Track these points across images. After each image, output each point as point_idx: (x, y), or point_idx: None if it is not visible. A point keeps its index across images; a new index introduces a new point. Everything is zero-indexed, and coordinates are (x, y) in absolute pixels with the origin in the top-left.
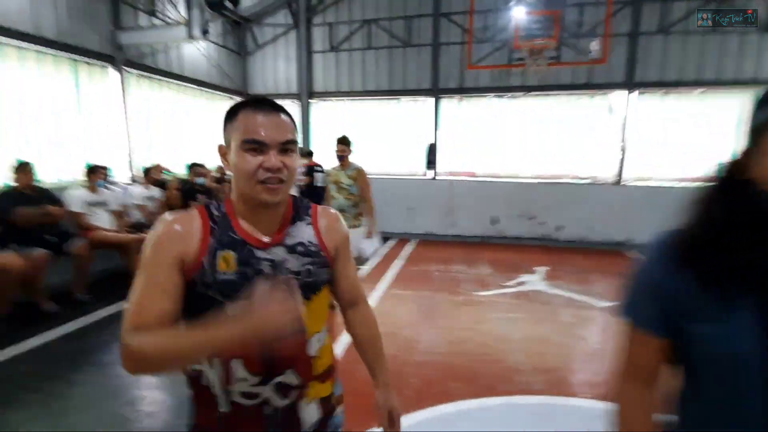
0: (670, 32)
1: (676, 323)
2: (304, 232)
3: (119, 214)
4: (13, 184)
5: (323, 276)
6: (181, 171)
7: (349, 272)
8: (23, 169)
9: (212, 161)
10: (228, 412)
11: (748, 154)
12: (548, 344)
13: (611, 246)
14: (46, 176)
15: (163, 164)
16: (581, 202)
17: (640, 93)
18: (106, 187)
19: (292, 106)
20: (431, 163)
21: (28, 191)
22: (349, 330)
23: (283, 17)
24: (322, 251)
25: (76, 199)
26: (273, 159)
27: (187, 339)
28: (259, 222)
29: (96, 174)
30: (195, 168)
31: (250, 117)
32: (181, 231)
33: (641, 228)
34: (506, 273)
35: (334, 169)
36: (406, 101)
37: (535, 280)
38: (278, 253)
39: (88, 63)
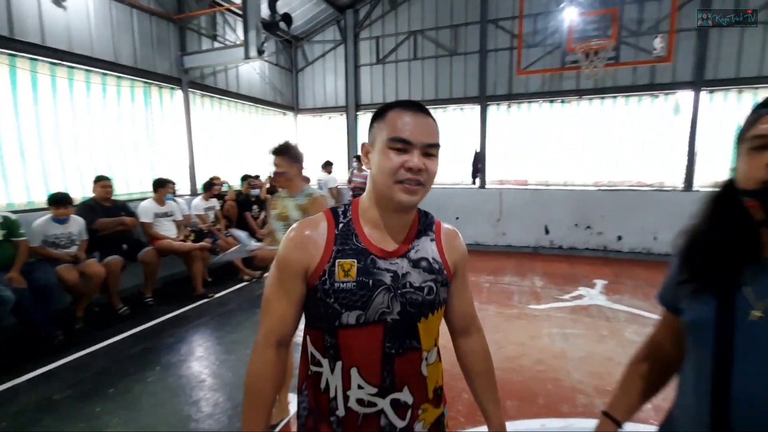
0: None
1: (679, 303)
2: (428, 248)
3: (183, 225)
4: (92, 196)
5: (443, 295)
6: (237, 183)
7: (465, 295)
8: (102, 182)
9: (265, 173)
10: (344, 416)
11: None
12: (611, 364)
13: None
14: (118, 189)
15: (222, 177)
16: (644, 210)
17: (710, 92)
18: (173, 200)
19: (340, 119)
20: (477, 171)
21: (106, 203)
22: (460, 360)
23: (331, 33)
24: (444, 269)
25: (146, 210)
26: (416, 159)
27: (247, 397)
28: (386, 230)
29: (165, 188)
30: (248, 180)
31: (399, 116)
32: (308, 240)
33: None
34: (561, 285)
35: (277, 195)
36: (452, 109)
37: (593, 294)
38: (401, 265)
39: (158, 85)
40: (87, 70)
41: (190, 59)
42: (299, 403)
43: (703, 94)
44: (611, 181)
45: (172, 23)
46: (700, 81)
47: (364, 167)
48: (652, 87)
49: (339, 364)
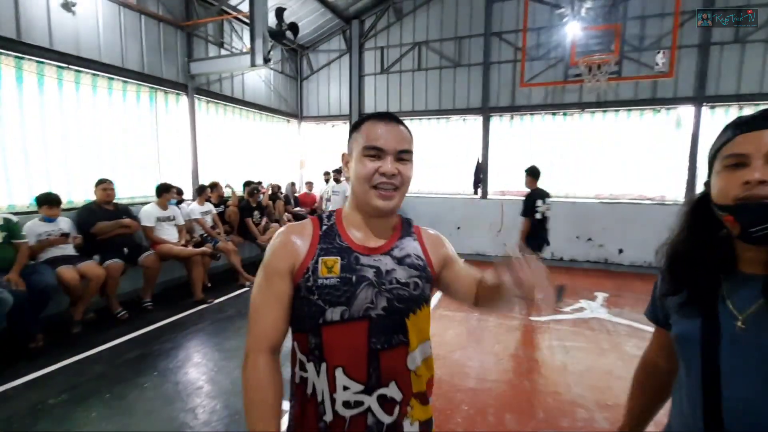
0: (748, 41)
1: (667, 318)
2: (411, 246)
3: (184, 229)
4: (94, 199)
5: (427, 291)
6: (240, 189)
7: (469, 271)
8: (103, 185)
9: (268, 179)
10: (331, 421)
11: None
12: (611, 378)
13: None
14: (121, 193)
15: (226, 182)
16: (645, 224)
17: (711, 107)
18: (177, 205)
19: (343, 128)
20: (479, 181)
21: (108, 207)
22: (479, 293)
23: (337, 43)
24: (428, 266)
25: (149, 214)
26: (389, 165)
27: (251, 412)
28: (369, 231)
29: (169, 192)
30: (250, 186)
31: (373, 126)
32: (293, 240)
33: None
34: (563, 297)
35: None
36: (455, 120)
37: (594, 307)
38: (385, 261)
39: (164, 91)
40: (94, 74)
41: (196, 66)
42: (289, 413)
43: (705, 110)
44: (612, 194)
45: (180, 30)
46: (702, 96)
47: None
48: (654, 101)
49: (324, 366)
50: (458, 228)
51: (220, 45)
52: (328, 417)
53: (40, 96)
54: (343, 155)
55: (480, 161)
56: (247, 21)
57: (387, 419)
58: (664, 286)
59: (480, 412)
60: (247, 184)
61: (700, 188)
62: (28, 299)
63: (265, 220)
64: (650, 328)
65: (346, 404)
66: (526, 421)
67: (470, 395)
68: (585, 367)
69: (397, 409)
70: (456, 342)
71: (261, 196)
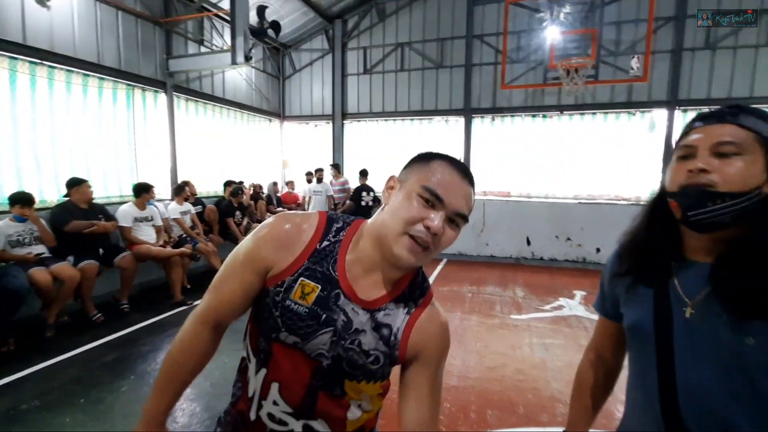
0: (718, 47)
1: (617, 308)
2: (399, 317)
3: (162, 229)
4: (68, 198)
5: (388, 369)
6: (220, 189)
7: (426, 396)
8: (80, 185)
9: (249, 179)
10: (254, 420)
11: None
12: None
13: None
14: (97, 192)
15: (205, 182)
16: (622, 224)
17: (683, 110)
18: (153, 205)
19: (326, 128)
20: None
21: (83, 206)
22: None
23: (319, 42)
24: (398, 349)
25: (126, 214)
26: (438, 221)
27: (161, 380)
28: (368, 273)
29: (149, 193)
30: (232, 186)
31: (444, 170)
32: (284, 242)
33: None
34: (542, 296)
35: None
36: (437, 121)
37: (573, 305)
38: (362, 319)
39: (142, 88)
40: (68, 71)
41: (175, 63)
42: (234, 387)
43: (677, 113)
44: (590, 195)
45: (159, 26)
46: (675, 100)
47: (340, 176)
48: (629, 105)
49: (263, 372)
50: None
51: (200, 42)
52: (252, 415)
53: (11, 92)
54: (392, 178)
55: (462, 162)
56: (228, 18)
57: None
58: (615, 267)
59: (462, 410)
60: (228, 183)
61: None
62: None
63: (246, 220)
64: None
65: (270, 416)
66: (507, 417)
67: (453, 393)
68: (564, 363)
69: None
70: None
71: (243, 196)
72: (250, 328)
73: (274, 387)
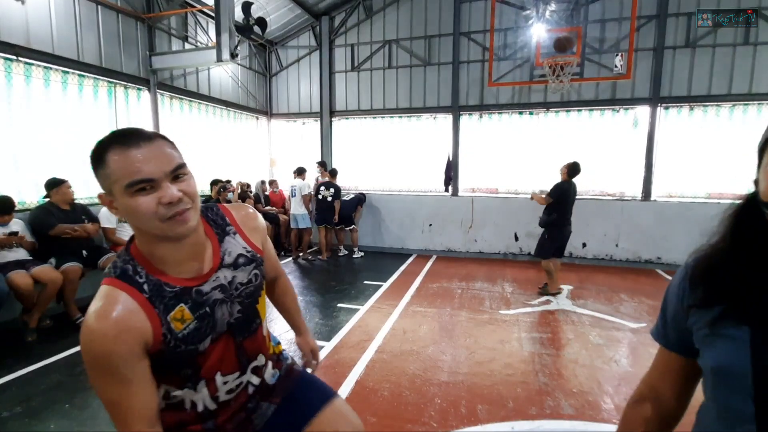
0: (698, 46)
1: (688, 340)
2: (236, 244)
3: None
4: (48, 200)
5: (264, 271)
6: (207, 188)
7: (271, 255)
8: (60, 186)
9: (237, 178)
10: (216, 409)
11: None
12: (576, 366)
13: (638, 264)
14: (79, 192)
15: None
16: (606, 219)
17: (665, 108)
18: None
19: (314, 125)
20: (449, 179)
21: (65, 206)
22: (272, 297)
23: (306, 39)
24: (257, 253)
25: (109, 215)
26: (169, 191)
27: None
28: (186, 258)
29: None
30: (218, 184)
31: (123, 156)
32: (123, 322)
33: (670, 245)
34: (530, 291)
35: None
36: (425, 118)
37: (561, 299)
38: (224, 275)
39: (124, 86)
40: (46, 67)
41: (159, 60)
42: None
43: (660, 110)
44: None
45: (141, 22)
46: (657, 97)
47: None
48: (613, 102)
49: (202, 382)
50: (430, 225)
51: (184, 39)
52: (212, 406)
53: None
54: (101, 196)
55: (450, 159)
56: (213, 14)
57: (256, 380)
58: (689, 296)
59: (452, 405)
60: (214, 182)
61: (657, 185)
62: None
63: None
64: (611, 318)
65: (229, 392)
66: (496, 410)
67: (443, 388)
68: (552, 357)
69: (263, 369)
70: (429, 337)
71: (230, 194)
72: (162, 384)
73: (218, 377)
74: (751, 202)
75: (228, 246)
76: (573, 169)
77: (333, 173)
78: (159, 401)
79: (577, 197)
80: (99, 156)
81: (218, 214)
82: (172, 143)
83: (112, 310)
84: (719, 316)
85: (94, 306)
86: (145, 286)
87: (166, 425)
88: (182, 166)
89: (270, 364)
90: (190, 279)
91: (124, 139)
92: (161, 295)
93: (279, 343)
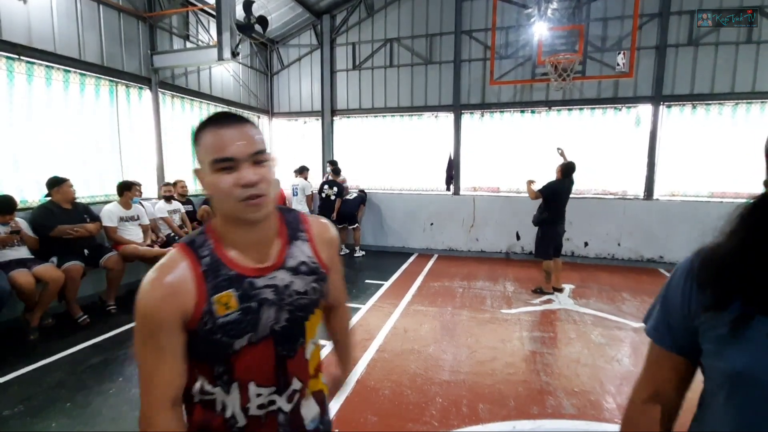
0: (701, 44)
1: (692, 341)
2: (303, 250)
3: (150, 229)
4: (50, 199)
5: (324, 289)
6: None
7: (337, 281)
8: (61, 185)
9: None
10: (244, 426)
11: None
12: (579, 365)
13: (641, 263)
14: (80, 191)
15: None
16: (609, 218)
17: (667, 106)
18: (139, 203)
19: (315, 124)
20: (451, 178)
21: (66, 206)
22: (328, 325)
23: (308, 38)
24: (321, 267)
25: (110, 214)
26: (247, 173)
27: None
28: (253, 248)
29: (131, 191)
30: None
31: (215, 135)
32: (173, 287)
33: (673, 244)
34: (532, 290)
35: None
36: (427, 117)
37: (562, 298)
38: (282, 277)
39: (126, 85)
40: (48, 66)
41: (160, 59)
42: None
43: (662, 108)
44: (578, 189)
45: (142, 21)
46: (659, 96)
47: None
48: (616, 100)
49: (235, 385)
50: (431, 224)
51: (186, 38)
52: (241, 422)
53: None
54: (196, 171)
55: (452, 158)
56: (214, 13)
57: (287, 407)
58: (703, 298)
59: (454, 404)
60: None
61: (659, 184)
62: None
63: None
64: (614, 317)
65: (261, 406)
66: (498, 410)
67: (444, 388)
68: (553, 356)
69: (296, 396)
70: (431, 336)
71: None
72: (192, 374)
73: (251, 386)
74: (764, 201)
75: (295, 250)
76: (567, 169)
77: (336, 171)
78: (193, 386)
79: (579, 196)
80: (197, 134)
81: (296, 218)
82: (259, 130)
83: (168, 272)
84: (739, 317)
85: (158, 264)
86: (205, 260)
87: (192, 422)
88: (263, 151)
89: (312, 400)
90: (248, 268)
91: (218, 119)
92: (216, 273)
93: (327, 384)
